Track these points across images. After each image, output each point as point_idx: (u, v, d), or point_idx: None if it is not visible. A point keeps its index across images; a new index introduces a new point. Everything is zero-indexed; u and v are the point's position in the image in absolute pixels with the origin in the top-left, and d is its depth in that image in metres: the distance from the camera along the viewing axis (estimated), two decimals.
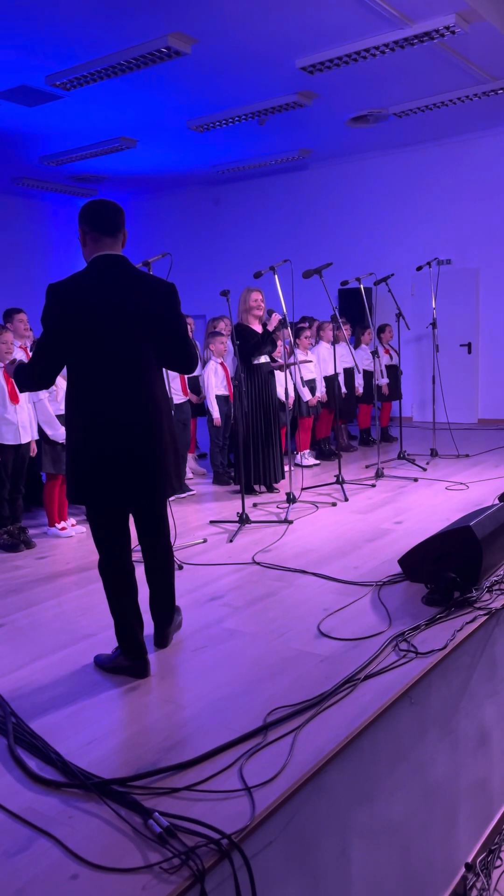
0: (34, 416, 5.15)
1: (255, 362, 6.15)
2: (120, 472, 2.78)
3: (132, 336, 2.77)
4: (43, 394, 5.20)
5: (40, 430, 5.18)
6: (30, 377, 2.87)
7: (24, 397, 5.04)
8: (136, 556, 3.10)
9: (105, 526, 2.91)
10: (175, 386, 6.43)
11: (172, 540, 4.71)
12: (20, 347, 5.69)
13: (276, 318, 6.10)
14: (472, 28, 6.65)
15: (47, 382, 2.87)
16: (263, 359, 6.25)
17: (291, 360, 6.58)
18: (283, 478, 6.40)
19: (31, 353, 5.54)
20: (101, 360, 2.75)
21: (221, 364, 6.90)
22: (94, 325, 2.73)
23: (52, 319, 2.75)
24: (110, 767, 2.28)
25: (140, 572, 3.04)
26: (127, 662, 2.96)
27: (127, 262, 2.84)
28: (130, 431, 2.78)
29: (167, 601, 3.17)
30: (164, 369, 2.98)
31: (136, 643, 2.95)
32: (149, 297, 2.80)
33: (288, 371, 6.53)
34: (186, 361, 2.97)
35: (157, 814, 1.99)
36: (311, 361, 7.46)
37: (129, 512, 2.97)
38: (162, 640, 3.18)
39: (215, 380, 6.85)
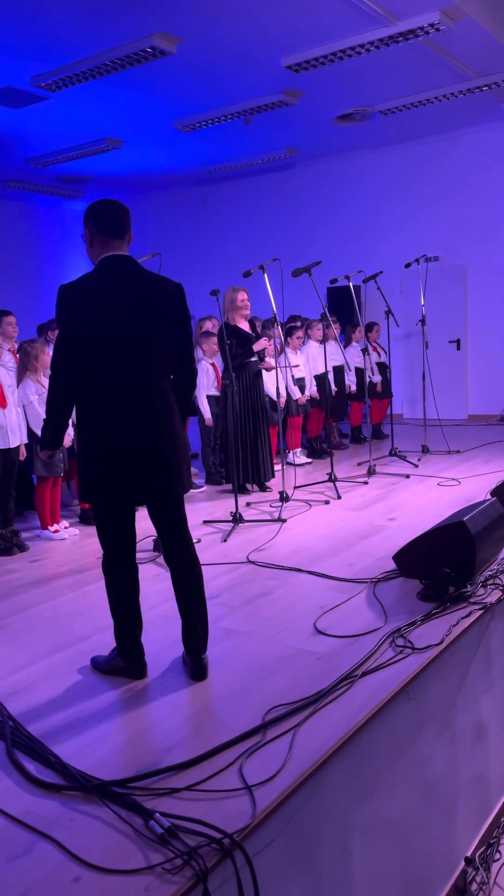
0: (23, 421, 5.13)
1: (244, 361, 6.15)
2: (132, 466, 2.77)
3: (145, 335, 2.77)
4: (33, 396, 5.19)
5: (31, 433, 5.16)
6: (54, 383, 2.81)
7: (11, 401, 5.02)
8: (141, 555, 3.09)
9: (113, 523, 2.88)
10: None
11: None
12: (9, 350, 5.66)
13: (262, 342, 6.14)
14: (457, 25, 6.67)
15: (71, 383, 2.78)
16: (252, 358, 6.25)
17: (281, 361, 6.59)
18: (274, 476, 6.40)
19: (18, 355, 5.52)
20: (114, 359, 2.74)
21: (213, 364, 6.89)
22: (108, 324, 2.73)
23: (67, 320, 2.75)
24: (110, 769, 2.28)
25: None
26: (124, 663, 2.95)
27: (136, 263, 2.85)
28: (143, 429, 2.77)
29: (199, 622, 2.94)
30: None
31: (134, 643, 2.94)
32: (160, 297, 2.81)
33: (278, 370, 6.53)
34: (191, 364, 2.99)
35: (157, 814, 1.98)
36: (297, 366, 7.47)
37: (142, 506, 2.94)
38: (199, 671, 2.90)
39: (206, 380, 6.85)
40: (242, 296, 6.21)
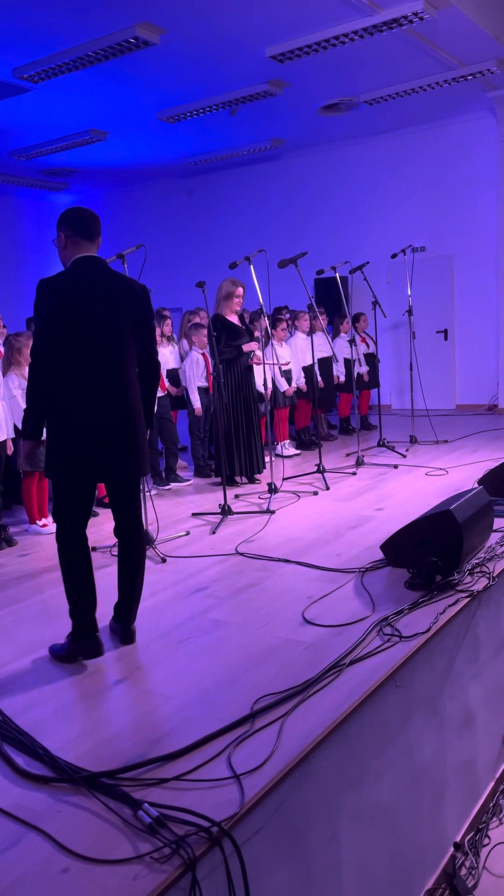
0: (9, 415, 5.11)
1: (231, 356, 6.13)
2: (99, 447, 2.98)
3: (114, 328, 3.01)
4: (16, 391, 5.16)
5: (17, 428, 5.14)
6: (33, 374, 2.99)
7: None
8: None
9: (75, 500, 3.04)
10: None
11: (155, 534, 4.74)
12: None
13: (252, 345, 6.13)
14: (441, 14, 6.66)
15: (50, 373, 2.96)
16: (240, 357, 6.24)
17: (268, 354, 6.59)
18: (265, 468, 6.41)
19: (3, 349, 5.50)
20: (86, 349, 2.96)
21: (203, 355, 6.87)
22: (82, 317, 2.96)
23: (45, 312, 2.96)
24: (98, 761, 2.28)
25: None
26: (79, 645, 3.04)
27: (106, 264, 3.10)
28: (111, 413, 2.99)
29: (136, 595, 3.22)
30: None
31: (89, 622, 3.05)
32: (128, 295, 3.07)
33: (265, 363, 6.52)
34: (155, 359, 3.22)
35: (146, 804, 1.99)
36: (287, 363, 7.46)
37: (102, 484, 3.18)
38: (128, 636, 3.20)
39: (196, 371, 6.84)
40: (240, 291, 6.19)
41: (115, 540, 3.30)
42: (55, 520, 3.09)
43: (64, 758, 2.29)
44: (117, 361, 3.01)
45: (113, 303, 3.01)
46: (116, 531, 3.21)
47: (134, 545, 3.19)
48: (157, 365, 3.25)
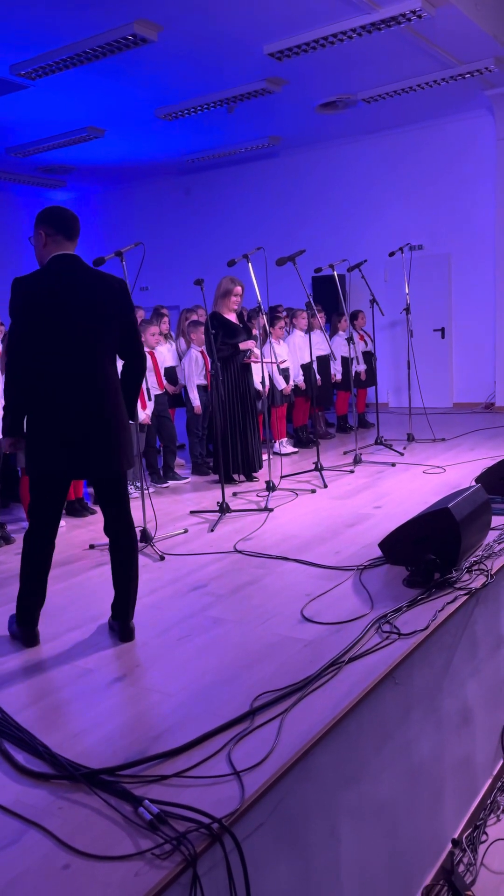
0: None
1: (228, 354, 6.13)
2: (77, 443, 3.01)
3: (91, 324, 3.03)
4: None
5: None
6: (10, 370, 3.03)
7: None
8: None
9: (47, 495, 3.09)
10: (151, 379, 6.40)
11: (153, 532, 4.74)
12: None
13: (249, 343, 6.13)
14: (439, 12, 6.66)
15: (26, 369, 3.01)
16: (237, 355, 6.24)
17: (266, 351, 6.59)
18: (262, 467, 6.41)
19: (2, 347, 5.48)
20: (63, 345, 2.98)
21: (202, 353, 6.87)
22: (59, 316, 2.98)
23: (21, 309, 2.99)
24: (98, 758, 2.28)
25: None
26: (20, 631, 3.22)
27: (83, 262, 3.12)
28: (88, 409, 3.02)
29: (132, 591, 3.24)
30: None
31: (32, 612, 3.20)
32: (106, 291, 3.09)
33: (263, 361, 6.52)
34: (140, 350, 3.25)
35: (147, 801, 1.99)
36: (284, 361, 7.46)
37: (83, 480, 3.25)
38: (127, 633, 3.23)
39: (195, 368, 6.83)
40: (238, 290, 6.18)
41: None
42: (29, 517, 3.16)
43: (64, 755, 2.29)
44: (93, 356, 3.03)
45: (89, 299, 3.03)
46: (106, 528, 3.23)
47: (126, 540, 3.21)
48: (143, 356, 3.28)
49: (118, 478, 3.18)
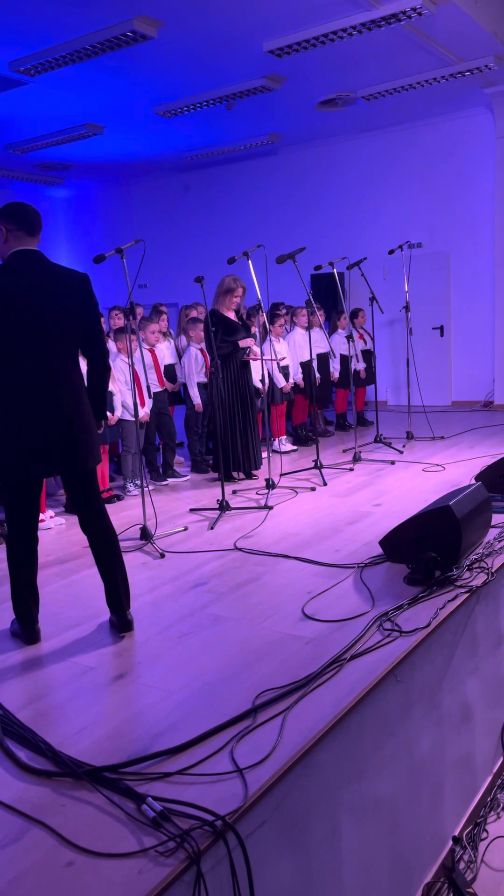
0: None
1: (227, 351, 6.13)
2: (43, 442, 3.01)
3: (52, 319, 3.01)
4: None
5: None
6: None
7: None
8: (128, 544, 3.09)
9: (21, 495, 3.10)
10: (151, 376, 6.39)
11: (153, 529, 4.74)
12: None
13: (248, 341, 6.13)
14: (439, 10, 6.65)
15: None
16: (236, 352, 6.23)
17: (265, 349, 6.58)
18: (262, 464, 6.41)
19: None
20: (24, 341, 2.96)
21: (201, 350, 6.86)
22: (15, 312, 2.95)
23: None
24: (101, 755, 2.28)
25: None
26: (20, 630, 3.24)
27: (45, 257, 3.09)
28: (50, 407, 3.00)
29: (120, 583, 3.24)
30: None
31: (28, 612, 3.21)
32: (67, 286, 3.07)
33: (263, 359, 6.52)
34: (102, 348, 3.24)
35: (150, 798, 1.99)
36: (283, 358, 7.46)
37: (55, 477, 3.23)
38: (125, 624, 3.25)
39: (195, 366, 6.82)
40: (239, 292, 6.17)
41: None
42: (6, 518, 3.14)
43: (66, 752, 2.29)
44: (54, 353, 3.00)
45: (49, 294, 2.99)
46: (82, 526, 3.23)
47: (101, 533, 3.21)
48: (105, 353, 3.26)
49: (86, 476, 3.17)
